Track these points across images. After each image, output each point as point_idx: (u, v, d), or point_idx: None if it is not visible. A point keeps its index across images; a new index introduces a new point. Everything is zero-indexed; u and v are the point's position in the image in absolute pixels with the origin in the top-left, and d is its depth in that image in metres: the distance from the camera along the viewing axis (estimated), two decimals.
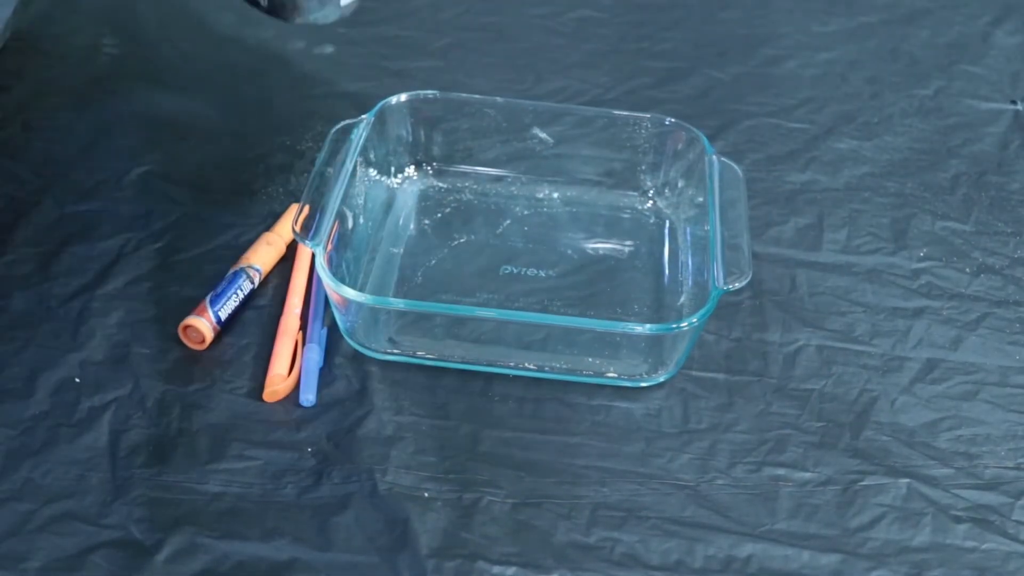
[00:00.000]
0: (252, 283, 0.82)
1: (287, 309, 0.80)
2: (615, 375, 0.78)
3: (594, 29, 1.14)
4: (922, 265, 0.89)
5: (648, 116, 0.90)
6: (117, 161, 0.93)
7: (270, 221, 0.87)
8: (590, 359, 0.78)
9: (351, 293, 0.74)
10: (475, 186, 0.92)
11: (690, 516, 0.71)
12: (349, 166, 0.81)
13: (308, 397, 0.75)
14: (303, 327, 0.80)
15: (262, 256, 0.83)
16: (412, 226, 0.89)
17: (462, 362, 0.78)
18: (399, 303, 0.80)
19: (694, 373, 0.79)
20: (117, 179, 0.91)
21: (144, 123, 0.97)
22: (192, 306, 0.79)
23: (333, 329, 0.80)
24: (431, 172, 0.93)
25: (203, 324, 0.77)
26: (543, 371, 0.78)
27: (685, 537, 0.70)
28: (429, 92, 0.90)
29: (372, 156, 0.87)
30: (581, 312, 0.82)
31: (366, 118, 0.86)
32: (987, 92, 1.08)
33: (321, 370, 0.77)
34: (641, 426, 0.76)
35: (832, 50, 1.12)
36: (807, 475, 0.74)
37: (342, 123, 0.84)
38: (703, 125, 0.92)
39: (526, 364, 0.78)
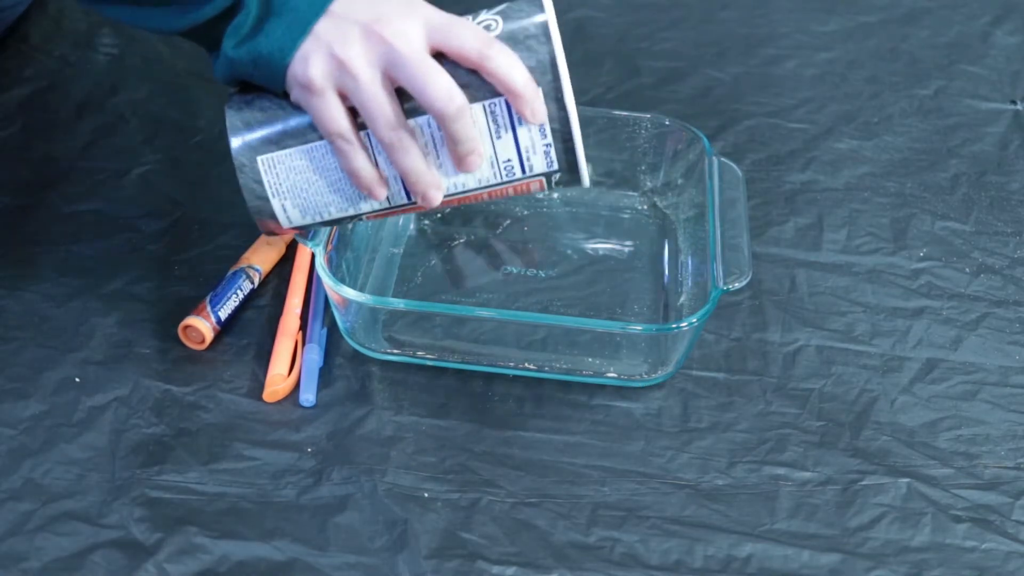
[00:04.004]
0: (252, 283, 0.82)
1: (287, 309, 0.80)
2: (615, 375, 0.78)
3: (594, 29, 1.14)
4: (922, 265, 0.89)
5: (648, 116, 0.90)
6: (117, 161, 0.93)
7: None
8: (590, 359, 0.78)
9: (351, 293, 0.74)
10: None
11: (690, 516, 0.71)
12: None
13: (308, 397, 0.75)
14: (303, 327, 0.80)
15: (262, 256, 0.83)
16: (412, 226, 0.89)
17: (462, 362, 0.78)
18: (399, 303, 0.80)
19: (694, 373, 0.79)
20: (117, 179, 0.91)
21: (144, 123, 0.97)
22: (192, 306, 0.79)
23: (333, 329, 0.80)
24: None
25: (203, 324, 0.77)
26: (543, 371, 0.78)
27: (685, 537, 0.70)
28: None
29: None
30: (581, 312, 0.82)
31: None
32: (987, 92, 1.08)
33: (321, 370, 0.77)
34: (641, 425, 0.76)
35: (832, 50, 1.12)
36: (807, 475, 0.74)
37: None
38: (703, 125, 0.92)
39: (526, 364, 0.78)
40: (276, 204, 0.67)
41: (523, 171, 0.67)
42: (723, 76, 1.08)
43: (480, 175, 0.67)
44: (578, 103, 1.05)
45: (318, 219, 0.69)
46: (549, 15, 0.65)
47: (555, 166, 0.67)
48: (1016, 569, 0.70)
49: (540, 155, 0.66)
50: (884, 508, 0.72)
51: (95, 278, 0.83)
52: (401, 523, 0.69)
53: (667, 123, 0.89)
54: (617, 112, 0.91)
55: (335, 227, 0.76)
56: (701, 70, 1.08)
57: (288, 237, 0.85)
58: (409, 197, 0.68)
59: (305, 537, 0.68)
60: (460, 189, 0.67)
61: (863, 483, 0.73)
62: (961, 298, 0.87)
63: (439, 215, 0.90)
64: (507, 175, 0.67)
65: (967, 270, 0.89)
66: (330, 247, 0.76)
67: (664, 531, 0.70)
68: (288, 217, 0.68)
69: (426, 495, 0.71)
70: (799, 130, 1.02)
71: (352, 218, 0.69)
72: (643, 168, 0.91)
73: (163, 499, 0.69)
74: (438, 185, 0.66)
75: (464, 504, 0.71)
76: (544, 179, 0.68)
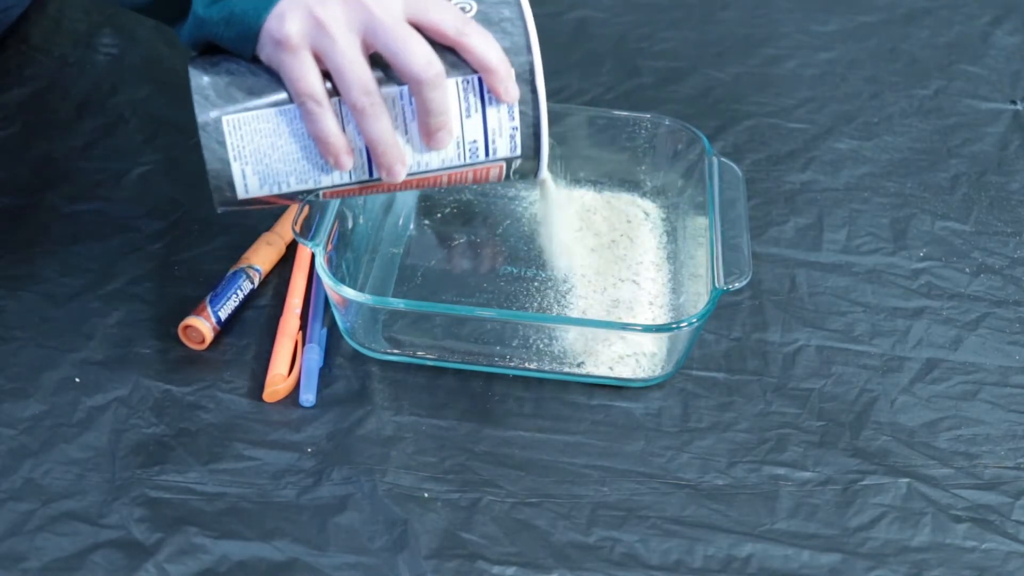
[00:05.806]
0: (252, 283, 0.82)
1: (287, 309, 0.80)
2: (615, 375, 0.78)
3: (594, 29, 1.14)
4: (922, 265, 0.89)
5: (648, 116, 0.90)
6: (117, 161, 0.93)
7: (270, 221, 0.87)
8: (590, 359, 0.78)
9: (351, 293, 0.74)
10: (475, 186, 0.92)
11: (690, 516, 0.71)
12: None
13: (308, 397, 0.75)
14: (303, 327, 0.80)
15: (262, 256, 0.83)
16: (412, 226, 0.89)
17: (462, 362, 0.78)
18: (399, 303, 0.80)
19: (694, 373, 0.79)
20: (117, 179, 0.91)
21: (144, 123, 0.97)
22: (192, 306, 0.79)
23: (333, 329, 0.80)
24: None
25: (203, 324, 0.77)
26: (543, 371, 0.78)
27: (685, 537, 0.70)
28: None
29: None
30: (581, 312, 0.82)
31: None
32: (987, 92, 1.08)
33: (321, 370, 0.77)
34: (641, 425, 0.76)
35: (832, 50, 1.12)
36: (807, 475, 0.74)
37: None
38: (703, 125, 0.92)
39: (526, 364, 0.78)
40: (236, 169, 0.66)
41: (486, 154, 0.67)
42: (723, 76, 1.08)
43: (444, 155, 0.67)
44: (578, 103, 1.06)
45: (275, 191, 0.67)
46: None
47: (518, 151, 0.67)
48: (1016, 569, 0.70)
49: (506, 138, 0.67)
50: (884, 508, 0.72)
51: (95, 278, 0.83)
52: (401, 523, 0.69)
53: (667, 123, 0.89)
54: (617, 112, 0.91)
55: (335, 224, 0.76)
56: (701, 70, 1.08)
57: (288, 237, 0.85)
58: (371, 173, 0.67)
59: (305, 537, 0.68)
60: (422, 168, 0.67)
61: (863, 483, 0.73)
62: (961, 298, 0.87)
63: (439, 215, 0.90)
64: (471, 157, 0.67)
65: (967, 270, 0.89)
66: (330, 247, 0.76)
67: (664, 531, 0.70)
68: (246, 185, 0.66)
69: (426, 495, 0.71)
70: (799, 130, 1.02)
71: (309, 193, 0.68)
72: (643, 168, 0.91)
73: (163, 499, 0.69)
74: (403, 160, 0.66)
75: (464, 504, 0.71)
76: (505, 164, 0.68)
